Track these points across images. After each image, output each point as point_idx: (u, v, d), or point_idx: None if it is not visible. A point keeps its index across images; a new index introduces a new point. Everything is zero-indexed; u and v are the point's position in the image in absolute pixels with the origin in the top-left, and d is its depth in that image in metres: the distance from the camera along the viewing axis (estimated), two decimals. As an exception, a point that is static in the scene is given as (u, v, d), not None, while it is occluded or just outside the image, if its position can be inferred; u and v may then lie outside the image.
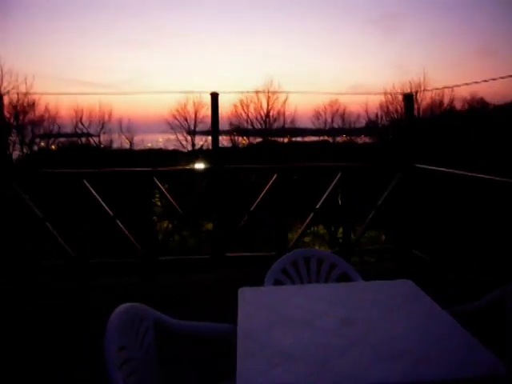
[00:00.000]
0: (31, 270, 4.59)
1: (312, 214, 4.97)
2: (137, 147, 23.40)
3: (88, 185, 4.64)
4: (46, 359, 3.07)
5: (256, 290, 2.37)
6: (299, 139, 21.67)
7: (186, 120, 20.81)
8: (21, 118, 17.58)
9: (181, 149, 22.68)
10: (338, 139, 19.98)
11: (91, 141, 21.97)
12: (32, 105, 17.53)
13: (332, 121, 20.17)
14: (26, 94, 16.53)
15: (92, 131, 20.64)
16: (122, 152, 22.23)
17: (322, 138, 21.71)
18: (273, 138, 20.69)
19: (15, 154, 18.50)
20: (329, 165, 5.67)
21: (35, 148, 20.00)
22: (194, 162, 17.02)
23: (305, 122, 21.94)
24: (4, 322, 3.75)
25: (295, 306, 2.12)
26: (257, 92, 19.33)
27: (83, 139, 21.98)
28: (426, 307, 2.07)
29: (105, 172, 4.94)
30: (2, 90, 15.52)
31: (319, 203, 4.92)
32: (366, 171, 6.07)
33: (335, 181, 4.89)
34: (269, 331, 1.87)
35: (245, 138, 21.37)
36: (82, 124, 20.24)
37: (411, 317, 1.98)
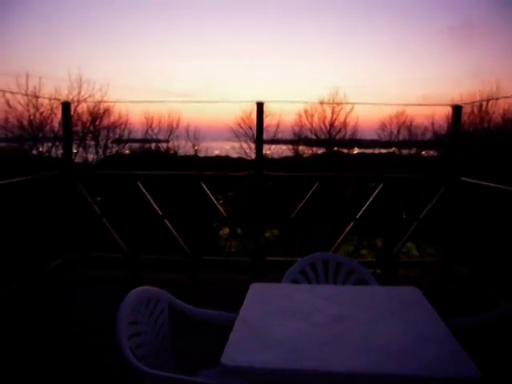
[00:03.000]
0: (83, 261, 5.07)
1: (352, 223, 5.04)
2: (203, 154, 24.22)
3: (141, 186, 5.05)
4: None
5: (266, 286, 2.55)
6: (363, 151, 21.41)
7: (251, 128, 21.29)
8: (97, 123, 18.92)
9: (245, 157, 23.20)
10: (404, 151, 19.52)
11: (160, 147, 23.09)
12: (106, 112, 18.82)
13: (398, 132, 19.75)
14: (100, 101, 17.77)
15: (161, 137, 21.70)
16: (188, 158, 23.14)
17: (388, 150, 21.28)
18: (336, 149, 20.61)
19: (90, 158, 19.91)
20: (371, 175, 5.68)
21: (110, 152, 21.38)
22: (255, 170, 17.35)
23: (369, 134, 21.63)
24: (60, 303, 4.22)
25: (296, 302, 2.28)
26: (322, 102, 19.40)
27: (153, 145, 23.13)
28: (423, 314, 2.14)
29: (155, 174, 5.33)
30: (80, 97, 16.85)
31: (360, 213, 4.99)
32: (409, 183, 6.01)
33: (377, 191, 4.93)
34: (264, 321, 2.05)
35: (309, 148, 21.47)
36: (152, 130, 21.36)
37: (404, 320, 2.07)
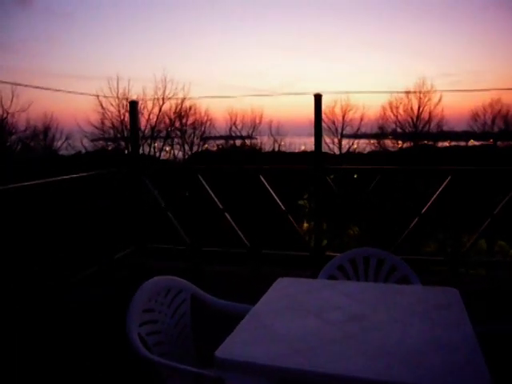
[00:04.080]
0: (149, 252, 5.32)
1: (417, 219, 4.72)
2: (288, 149, 24.22)
3: (201, 179, 5.17)
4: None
5: (293, 280, 2.47)
6: (456, 143, 20.00)
7: (334, 123, 20.91)
8: (184, 121, 19.79)
9: (329, 152, 22.82)
10: (499, 143, 17.89)
11: (246, 143, 23.48)
12: (190, 109, 19.60)
13: (493, 123, 18.11)
14: (183, 99, 18.55)
15: (244, 133, 22.12)
16: (273, 154, 23.28)
17: (483, 142, 19.66)
18: (424, 142, 19.50)
19: (179, 155, 20.83)
20: (437, 168, 5.24)
21: (197, 149, 22.21)
22: (341, 165, 17.02)
23: (460, 125, 20.14)
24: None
25: (316, 298, 2.18)
26: (407, 92, 18.46)
27: (238, 141, 23.59)
28: (451, 317, 1.94)
29: (215, 168, 5.42)
30: (165, 96, 17.70)
31: (425, 208, 4.65)
32: (481, 175, 5.47)
33: (444, 185, 4.56)
34: (276, 315, 1.99)
35: (394, 141, 20.55)
36: (236, 127, 21.84)
37: (427, 323, 1.89)
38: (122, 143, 18.74)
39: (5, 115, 17.53)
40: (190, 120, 20.03)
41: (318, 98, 4.80)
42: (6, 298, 3.14)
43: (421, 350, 1.64)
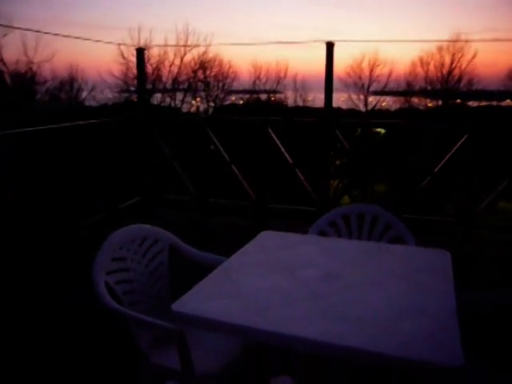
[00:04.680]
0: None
1: (429, 178, 4.51)
2: (313, 105, 23.59)
3: (209, 131, 5.04)
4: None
5: (277, 234, 2.36)
6: (486, 103, 19.04)
7: (360, 78, 20.15)
8: (207, 73, 19.39)
9: (356, 108, 22.16)
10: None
11: (272, 97, 22.94)
12: (212, 61, 19.15)
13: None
14: (204, 52, 18.11)
15: (268, 88, 21.60)
16: (298, 109, 22.73)
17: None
18: (456, 101, 18.64)
19: (202, 108, 20.59)
20: (450, 125, 4.91)
21: (221, 102, 21.86)
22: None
23: (495, 84, 19.07)
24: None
25: (295, 254, 2.07)
26: (439, 48, 17.48)
27: (263, 96, 23.06)
28: (434, 282, 1.80)
29: (223, 118, 5.26)
30: (186, 48, 17.31)
31: (438, 166, 4.42)
32: (499, 134, 5.13)
33: (459, 144, 4.30)
34: (246, 270, 1.89)
35: (425, 99, 19.72)
36: (260, 80, 21.31)
37: (407, 287, 1.75)
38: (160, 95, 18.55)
39: (30, 65, 17.51)
40: (213, 72, 19.61)
41: (329, 46, 4.52)
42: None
43: (390, 315, 1.53)
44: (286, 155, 4.98)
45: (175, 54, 17.36)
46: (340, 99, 23.77)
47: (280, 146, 4.97)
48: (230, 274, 1.84)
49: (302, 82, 21.37)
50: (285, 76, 21.20)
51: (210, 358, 1.85)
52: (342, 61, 19.88)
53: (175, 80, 17.63)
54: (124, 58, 17.23)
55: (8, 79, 18.61)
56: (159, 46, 17.55)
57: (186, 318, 1.53)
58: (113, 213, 4.96)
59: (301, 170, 4.78)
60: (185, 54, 17.65)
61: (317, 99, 23.57)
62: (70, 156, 4.68)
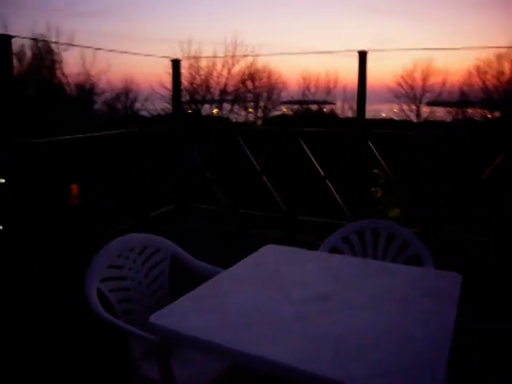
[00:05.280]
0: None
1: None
2: (367, 116, 23.01)
3: (241, 140, 5.03)
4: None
5: (280, 248, 2.29)
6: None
7: (412, 88, 19.55)
8: (256, 83, 19.56)
9: (408, 119, 21.52)
10: None
11: (322, 108, 22.73)
12: (261, 72, 19.29)
13: None
14: (252, 62, 18.25)
15: (317, 98, 21.45)
16: (350, 120, 22.31)
17: None
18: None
19: (251, 118, 20.75)
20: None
21: (268, 113, 21.94)
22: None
23: None
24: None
25: (292, 271, 1.99)
26: (498, 56, 16.59)
27: (314, 106, 22.87)
28: (436, 309, 1.66)
29: (254, 130, 5.23)
30: (234, 60, 17.54)
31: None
32: None
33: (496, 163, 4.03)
34: (237, 284, 1.84)
35: (483, 110, 18.79)
36: (309, 91, 21.21)
37: (403, 313, 1.63)
38: (199, 105, 18.98)
39: (88, 77, 18.42)
40: (262, 82, 19.75)
41: (362, 55, 4.40)
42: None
43: (373, 343, 1.42)
44: (318, 167, 4.88)
45: (223, 65, 17.65)
46: (392, 110, 23.17)
47: (311, 158, 4.88)
48: (219, 287, 1.80)
49: (352, 92, 20.99)
50: (334, 86, 20.96)
51: (193, 374, 1.81)
52: (392, 70, 19.41)
53: (222, 91, 17.90)
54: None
55: (70, 90, 19.65)
56: (207, 57, 17.93)
57: (162, 331, 1.50)
58: (143, 220, 5.05)
59: (333, 181, 4.66)
60: (233, 65, 17.92)
61: (371, 110, 23.10)
62: (113, 161, 4.82)
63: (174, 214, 5.56)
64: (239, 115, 19.27)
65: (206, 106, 18.38)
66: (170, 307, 1.62)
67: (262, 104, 20.56)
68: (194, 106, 17.80)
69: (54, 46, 18.06)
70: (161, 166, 5.62)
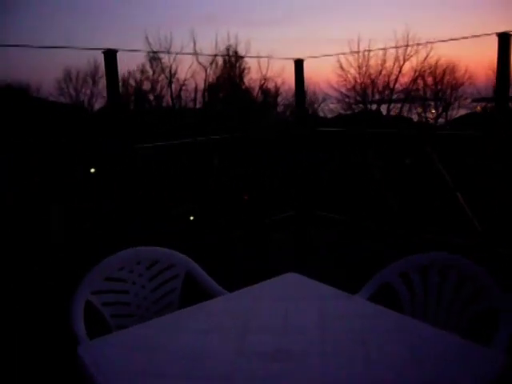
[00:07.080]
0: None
1: None
2: None
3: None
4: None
5: (300, 279, 1.92)
6: None
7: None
8: (437, 80, 17.84)
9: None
10: None
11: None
12: (440, 67, 17.42)
13: None
14: (425, 58, 16.63)
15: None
16: None
17: None
18: None
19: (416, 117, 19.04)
20: None
21: (456, 112, 19.78)
22: None
23: None
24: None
25: (277, 314, 1.62)
26: None
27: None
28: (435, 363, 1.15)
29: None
30: (406, 56, 16.20)
31: None
32: None
33: None
34: (207, 319, 1.60)
35: None
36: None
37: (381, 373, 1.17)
38: (374, 105, 18.28)
39: (263, 81, 19.46)
40: (445, 79, 17.90)
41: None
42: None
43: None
44: (447, 176, 4.08)
45: (394, 63, 16.56)
46: None
47: (440, 167, 4.10)
48: (174, 324, 1.57)
49: None
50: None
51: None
52: None
53: (392, 89, 16.80)
54: (343, 69, 17.37)
55: (257, 95, 21.24)
56: (380, 49, 17.02)
57: (83, 364, 1.36)
58: (257, 227, 4.98)
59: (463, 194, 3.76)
60: (404, 62, 16.65)
61: None
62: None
63: (293, 221, 5.36)
64: (413, 115, 17.88)
65: (383, 106, 17.54)
66: (105, 338, 1.48)
67: (443, 102, 18.65)
68: (363, 106, 17.17)
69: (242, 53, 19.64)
70: (284, 170, 5.48)
